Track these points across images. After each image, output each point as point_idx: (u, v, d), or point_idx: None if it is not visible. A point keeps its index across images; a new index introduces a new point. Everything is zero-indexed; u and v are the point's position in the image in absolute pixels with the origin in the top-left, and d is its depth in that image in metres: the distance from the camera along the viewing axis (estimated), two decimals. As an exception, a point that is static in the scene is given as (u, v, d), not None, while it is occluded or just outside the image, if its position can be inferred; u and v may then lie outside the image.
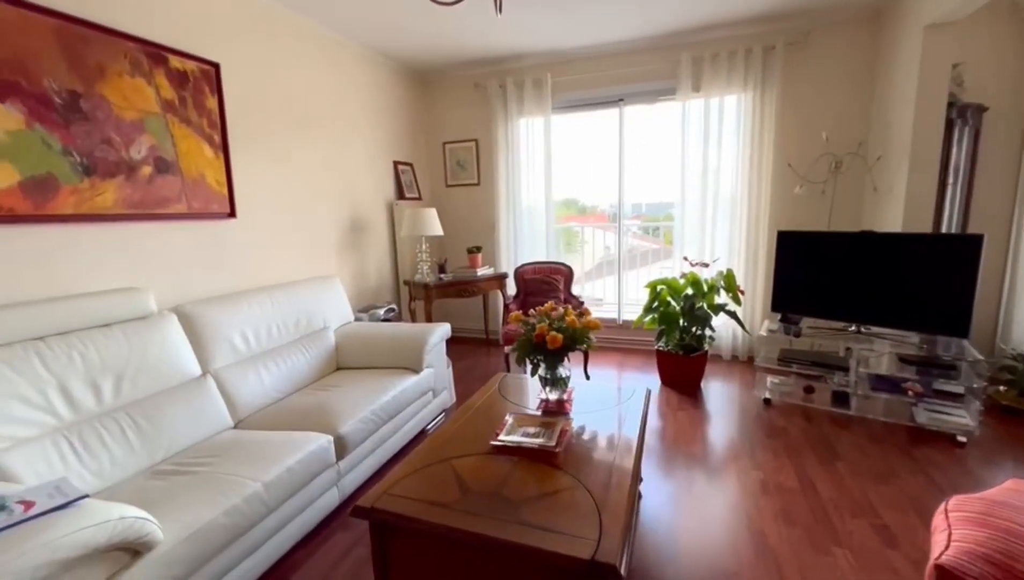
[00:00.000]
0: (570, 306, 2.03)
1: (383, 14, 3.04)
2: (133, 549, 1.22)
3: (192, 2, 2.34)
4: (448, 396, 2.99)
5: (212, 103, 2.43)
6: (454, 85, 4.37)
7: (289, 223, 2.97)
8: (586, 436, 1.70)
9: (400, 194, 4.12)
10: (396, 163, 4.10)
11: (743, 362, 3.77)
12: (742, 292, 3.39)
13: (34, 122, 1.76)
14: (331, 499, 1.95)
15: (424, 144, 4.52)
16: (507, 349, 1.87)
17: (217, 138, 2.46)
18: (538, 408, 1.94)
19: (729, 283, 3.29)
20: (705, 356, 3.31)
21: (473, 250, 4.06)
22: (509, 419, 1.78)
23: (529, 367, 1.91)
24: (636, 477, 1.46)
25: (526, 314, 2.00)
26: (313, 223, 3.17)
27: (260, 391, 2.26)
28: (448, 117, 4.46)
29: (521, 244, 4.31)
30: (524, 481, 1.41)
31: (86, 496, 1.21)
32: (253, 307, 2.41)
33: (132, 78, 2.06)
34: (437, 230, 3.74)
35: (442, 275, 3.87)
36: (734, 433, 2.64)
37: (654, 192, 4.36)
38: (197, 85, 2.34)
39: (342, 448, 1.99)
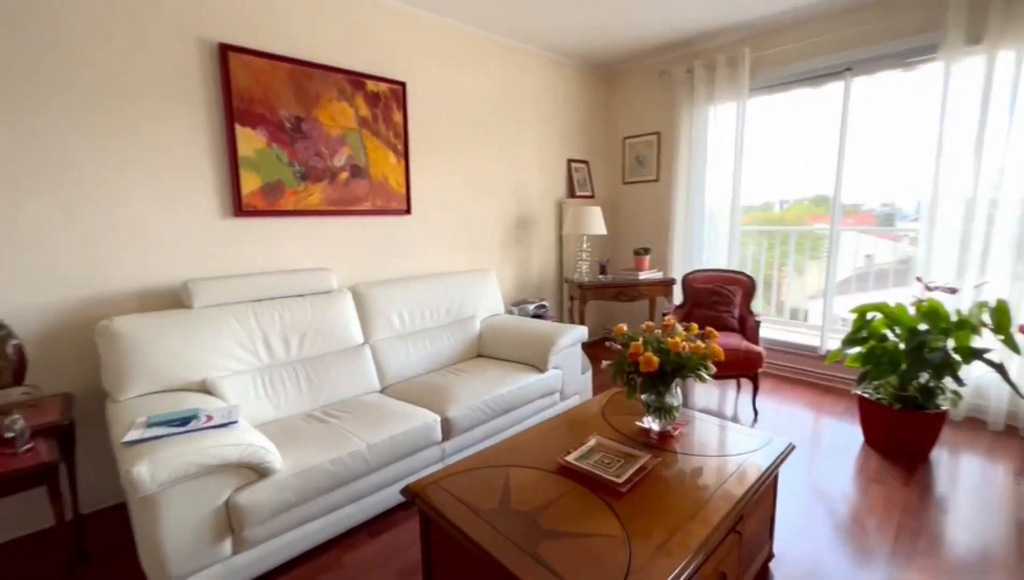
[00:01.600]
0: (693, 326, 1.73)
1: (563, 17, 3.07)
2: (258, 471, 1.58)
3: (389, 34, 2.80)
4: (579, 401, 2.90)
5: (398, 117, 2.88)
6: (637, 76, 4.13)
7: (457, 219, 3.31)
8: (675, 482, 1.42)
9: (571, 192, 4.13)
10: (570, 161, 4.12)
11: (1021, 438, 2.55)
12: (1024, 335, 2.29)
13: (272, 142, 2.40)
14: (435, 473, 2.13)
15: (603, 140, 4.41)
16: (604, 364, 1.69)
17: (400, 146, 2.91)
18: (639, 436, 1.71)
19: (1000, 320, 2.26)
20: (942, 417, 2.37)
21: (640, 252, 3.79)
22: (592, 441, 1.63)
23: (627, 389, 1.69)
24: (703, 552, 1.16)
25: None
26: (479, 219, 3.46)
27: (405, 364, 2.61)
28: (629, 110, 4.24)
29: (699, 247, 3.83)
30: (568, 511, 1.28)
31: (236, 422, 1.62)
32: (413, 292, 2.79)
33: (338, 102, 2.61)
34: (599, 229, 3.63)
35: (601, 276, 3.75)
36: (962, 537, 1.83)
37: (886, 187, 3.29)
38: (387, 103, 2.81)
39: (448, 429, 2.15)
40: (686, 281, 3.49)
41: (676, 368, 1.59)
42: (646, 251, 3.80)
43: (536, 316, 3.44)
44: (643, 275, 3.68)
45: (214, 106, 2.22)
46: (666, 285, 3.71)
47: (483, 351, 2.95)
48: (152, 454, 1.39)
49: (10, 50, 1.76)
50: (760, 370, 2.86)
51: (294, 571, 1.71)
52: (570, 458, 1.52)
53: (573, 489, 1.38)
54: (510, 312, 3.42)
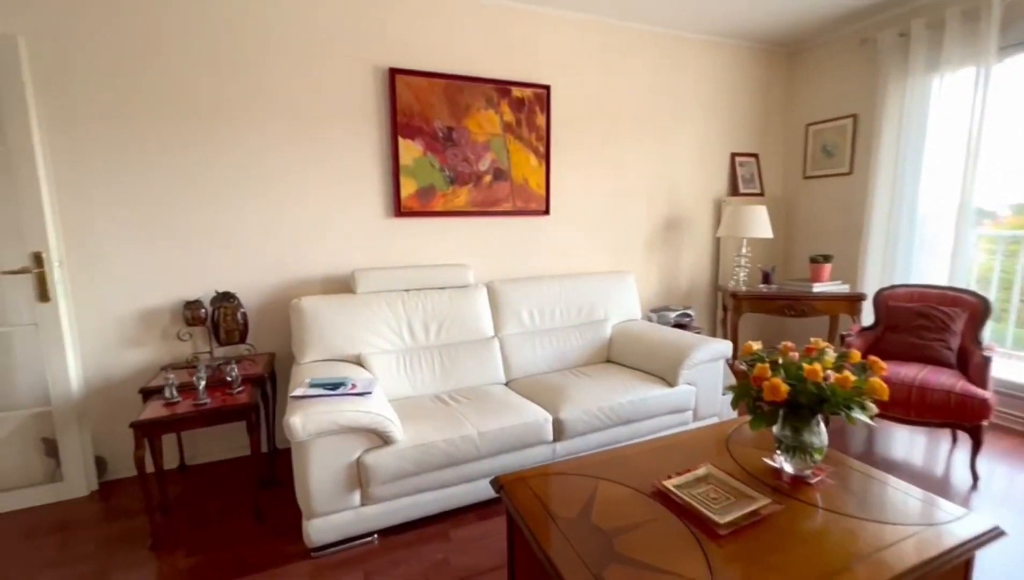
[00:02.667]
0: (854, 353, 1.40)
1: (716, -7, 2.78)
2: (383, 437, 1.81)
3: (535, 40, 2.89)
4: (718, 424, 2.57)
5: (541, 120, 2.95)
6: (829, 49, 3.46)
7: (598, 219, 3.25)
8: (799, 539, 1.17)
9: (734, 190, 3.68)
10: (734, 155, 3.68)
11: None
12: None
13: (427, 151, 2.70)
14: (544, 472, 2.14)
15: (779, 128, 3.81)
16: (726, 384, 1.46)
17: (542, 149, 2.99)
18: (765, 476, 1.46)
19: None
20: None
21: (818, 259, 3.19)
22: (702, 469, 1.45)
23: (751, 417, 1.44)
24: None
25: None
26: (623, 219, 3.34)
27: (531, 361, 2.68)
28: (816, 92, 3.58)
29: (904, 257, 3.04)
30: (650, 540, 1.16)
31: (370, 393, 1.88)
32: (545, 291, 2.84)
33: (485, 111, 2.80)
34: (763, 231, 3.16)
35: (764, 285, 3.26)
36: None
37: None
38: (530, 107, 2.91)
39: (560, 430, 2.13)
40: (881, 298, 2.80)
41: (817, 401, 1.30)
42: (826, 258, 3.17)
43: (678, 325, 3.17)
44: (820, 287, 3.08)
45: (383, 123, 2.60)
46: (851, 301, 3.04)
47: (612, 357, 2.84)
48: (305, 409, 1.70)
49: (236, 91, 2.34)
50: (987, 422, 2.14)
51: (408, 532, 1.92)
52: (670, 483, 1.37)
53: (664, 517, 1.25)
54: (648, 318, 3.23)
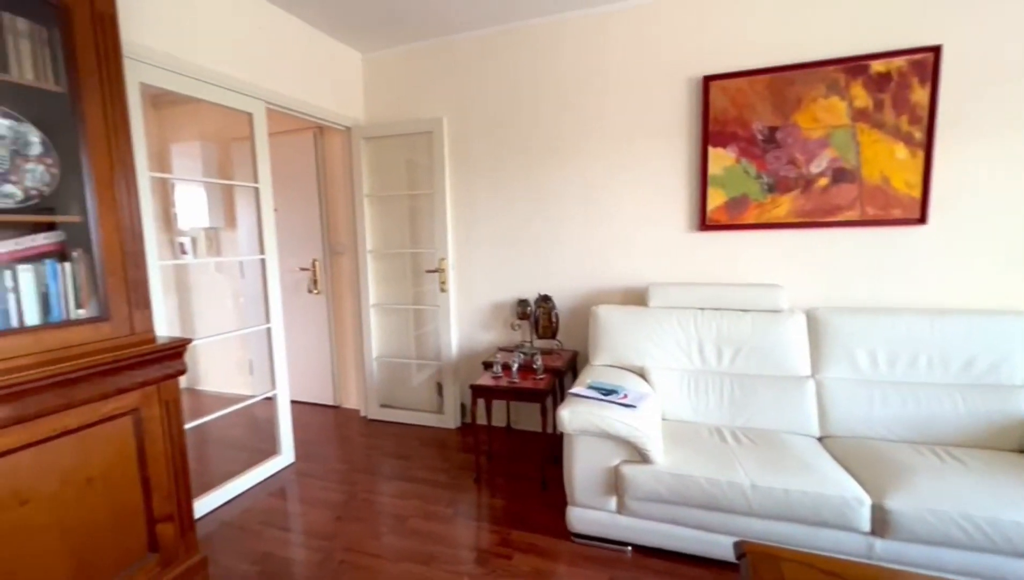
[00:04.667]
0: None
1: None
2: (641, 453, 1.80)
3: (919, -11, 2.14)
4: None
5: (919, 95, 2.16)
6: None
7: (1020, 228, 2.12)
8: None
9: None
10: None
11: None
12: None
13: (741, 157, 2.45)
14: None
15: None
16: None
17: (918, 134, 2.18)
18: None
19: None
20: None
21: None
22: None
23: None
24: None
25: None
26: (1089, 230, 2.05)
27: (862, 419, 2.03)
28: None
29: None
30: None
31: (635, 407, 1.90)
32: (902, 327, 2.09)
33: (825, 100, 2.28)
34: None
35: None
36: None
37: None
38: (901, 81, 2.17)
39: (884, 523, 1.54)
40: None
41: None
42: None
43: None
44: None
45: (692, 134, 2.52)
46: None
47: (1031, 446, 1.81)
48: (575, 406, 1.90)
49: (569, 120, 2.75)
50: None
51: (662, 560, 1.84)
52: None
53: None
54: None
